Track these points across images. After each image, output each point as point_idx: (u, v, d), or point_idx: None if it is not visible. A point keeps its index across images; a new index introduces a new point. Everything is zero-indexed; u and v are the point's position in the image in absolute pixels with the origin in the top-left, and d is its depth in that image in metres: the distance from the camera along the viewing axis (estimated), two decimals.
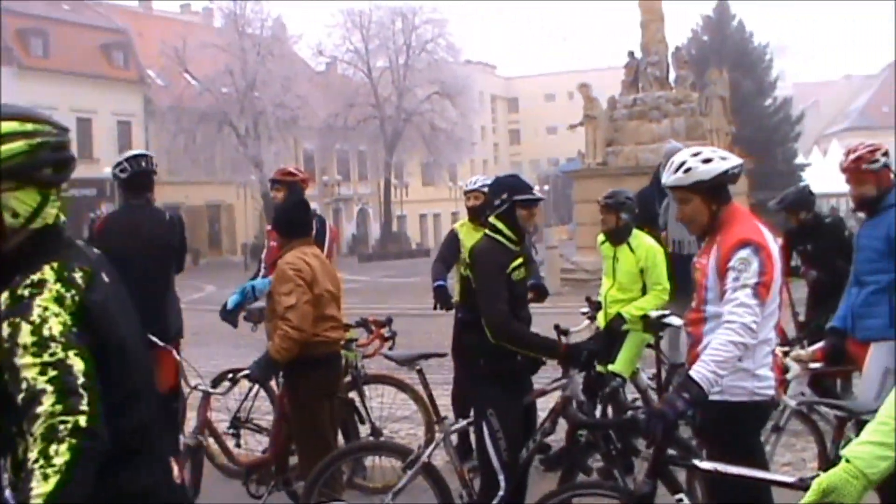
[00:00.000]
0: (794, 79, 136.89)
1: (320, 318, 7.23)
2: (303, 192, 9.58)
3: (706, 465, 5.03)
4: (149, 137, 65.55)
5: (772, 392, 5.20)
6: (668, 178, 5.28)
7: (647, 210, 10.49)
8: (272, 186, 9.78)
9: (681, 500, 5.09)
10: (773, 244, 5.12)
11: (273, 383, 8.92)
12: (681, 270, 8.35)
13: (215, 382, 7.67)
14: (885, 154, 7.17)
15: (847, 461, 3.14)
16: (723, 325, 4.87)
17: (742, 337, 4.78)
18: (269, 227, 9.75)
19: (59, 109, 54.42)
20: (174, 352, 7.83)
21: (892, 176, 7.15)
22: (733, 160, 5.20)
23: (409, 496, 6.86)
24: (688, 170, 5.17)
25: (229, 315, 8.91)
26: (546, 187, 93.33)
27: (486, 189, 8.23)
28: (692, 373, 4.72)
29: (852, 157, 7.18)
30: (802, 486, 4.63)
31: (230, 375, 7.34)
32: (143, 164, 8.45)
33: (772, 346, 5.19)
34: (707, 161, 5.15)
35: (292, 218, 7.61)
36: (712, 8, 64.48)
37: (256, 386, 8.94)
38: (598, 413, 8.06)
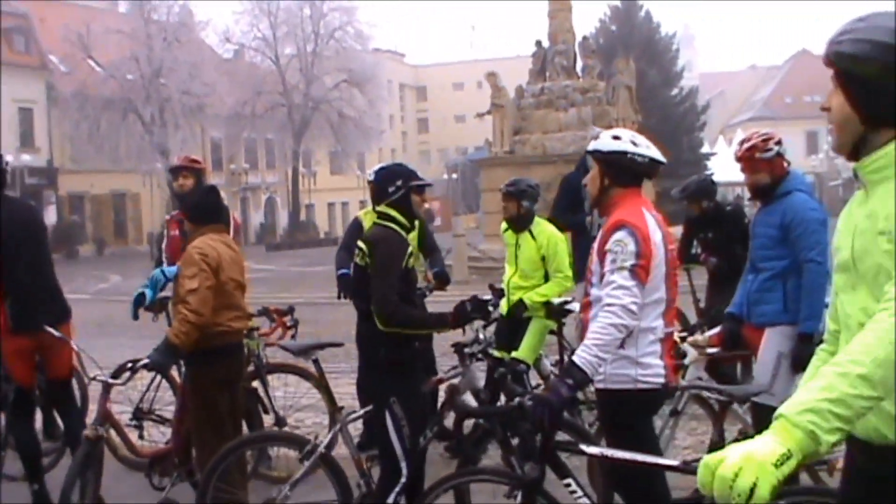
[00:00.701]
0: (700, 69, 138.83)
1: (224, 307, 7.15)
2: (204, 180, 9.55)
3: (592, 449, 5.10)
4: (51, 125, 64.55)
5: (659, 380, 5.20)
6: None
7: (572, 194, 10.60)
8: (178, 174, 9.64)
9: (569, 484, 5.13)
10: (657, 231, 5.15)
11: (175, 373, 8.86)
12: None
13: (116, 373, 7.60)
14: (779, 143, 7.31)
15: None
16: (602, 308, 4.90)
17: (621, 319, 4.80)
18: (168, 217, 9.68)
19: None
20: (70, 341, 7.74)
21: (785, 164, 7.30)
22: (644, 150, 5.22)
23: (311, 486, 6.85)
24: (596, 137, 5.35)
25: (149, 307, 8.85)
26: (454, 176, 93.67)
27: None
28: (575, 358, 4.75)
29: (746, 146, 7.33)
30: (688, 469, 4.75)
31: (130, 365, 7.24)
32: None
33: (658, 334, 5.19)
34: (615, 138, 5.26)
35: (204, 204, 7.51)
36: None
37: (159, 376, 8.86)
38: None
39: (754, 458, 2.29)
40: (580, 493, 5.15)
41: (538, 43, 34.28)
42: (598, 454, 5.03)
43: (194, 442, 7.43)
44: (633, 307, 4.86)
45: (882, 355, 2.48)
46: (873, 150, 2.92)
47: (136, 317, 8.66)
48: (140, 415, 8.75)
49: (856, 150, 2.96)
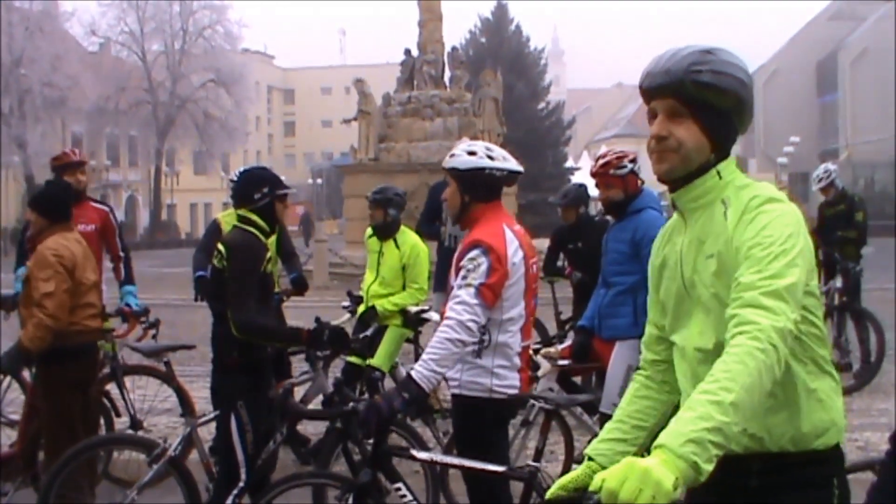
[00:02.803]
0: (568, 84, 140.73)
1: (79, 306, 7.05)
2: (76, 177, 9.30)
3: (423, 455, 5.19)
4: None
5: (512, 391, 5.29)
6: (444, 161, 5.45)
7: (438, 204, 10.69)
8: (78, 169, 9.31)
9: (399, 488, 5.20)
10: (516, 250, 5.21)
11: (26, 374, 8.66)
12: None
13: None
14: (633, 161, 7.52)
15: (590, 459, 3.27)
16: (442, 322, 4.96)
17: (458, 334, 4.85)
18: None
19: None
20: None
21: (638, 182, 7.50)
22: (500, 163, 5.27)
23: (160, 490, 6.79)
24: (452, 155, 5.36)
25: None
26: (319, 181, 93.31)
27: None
28: (412, 372, 4.79)
29: (601, 162, 7.53)
30: (514, 475, 4.90)
31: None
32: None
33: (516, 348, 5.28)
34: (471, 153, 5.29)
35: (55, 201, 7.37)
36: (491, 10, 65.48)
37: (8, 378, 8.67)
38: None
39: (652, 478, 2.32)
40: (409, 497, 5.22)
41: (407, 51, 34.37)
42: (428, 459, 5.11)
43: (44, 445, 7.28)
44: (472, 325, 4.90)
45: (748, 381, 2.54)
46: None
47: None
48: None
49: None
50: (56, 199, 7.38)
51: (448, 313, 4.94)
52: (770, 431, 2.94)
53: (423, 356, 4.84)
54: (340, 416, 5.39)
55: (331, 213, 79.09)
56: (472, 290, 4.95)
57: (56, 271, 6.82)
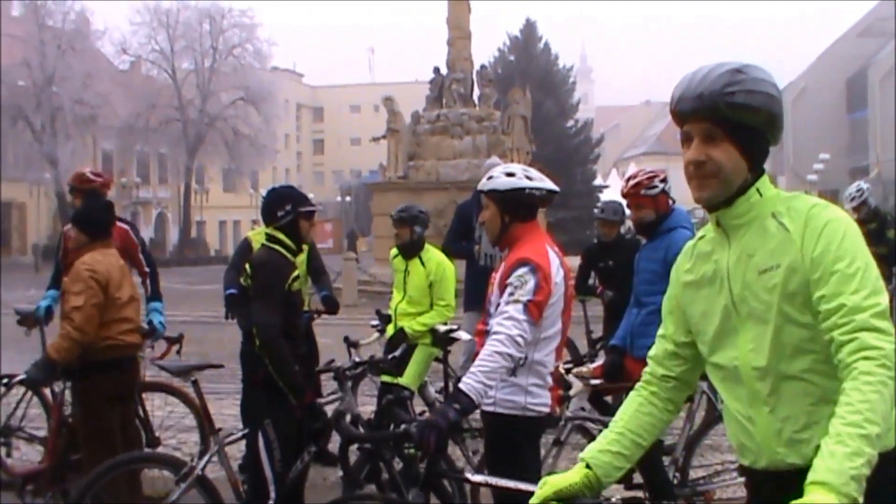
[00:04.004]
0: (596, 102, 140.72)
1: (116, 321, 7.08)
2: (103, 197, 9.34)
3: (477, 478, 5.14)
4: None
5: (545, 409, 5.32)
6: (480, 184, 5.50)
7: (465, 223, 10.67)
8: (70, 191, 9.50)
9: None
10: (558, 269, 5.26)
11: (48, 391, 8.65)
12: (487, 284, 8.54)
13: None
14: (664, 181, 7.50)
15: (588, 467, 3.26)
16: (491, 336, 4.97)
17: (507, 348, 4.86)
18: (66, 229, 9.50)
19: None
20: None
21: (669, 201, 7.48)
22: (539, 183, 5.35)
23: None
24: (490, 178, 5.41)
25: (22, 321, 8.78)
26: (347, 198, 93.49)
27: None
28: (462, 385, 4.80)
29: (632, 182, 7.51)
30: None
31: (4, 380, 7.09)
32: None
33: (549, 367, 5.31)
34: (509, 175, 5.35)
35: (94, 219, 7.44)
36: (519, 29, 65.65)
37: (30, 393, 8.67)
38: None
39: None
40: None
41: (436, 70, 34.44)
42: (483, 482, 5.07)
43: (84, 458, 7.28)
44: (521, 340, 4.93)
45: (885, 409, 2.61)
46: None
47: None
48: (8, 432, 8.57)
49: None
50: (97, 217, 7.46)
51: (496, 328, 4.97)
52: None
53: (472, 368, 4.86)
54: (394, 439, 5.35)
55: (359, 230, 79.13)
56: (520, 305, 5.00)
57: (88, 286, 6.87)
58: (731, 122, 2.96)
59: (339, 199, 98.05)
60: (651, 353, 3.44)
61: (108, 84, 65.39)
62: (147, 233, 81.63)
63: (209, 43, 72.20)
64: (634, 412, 3.38)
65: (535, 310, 5.04)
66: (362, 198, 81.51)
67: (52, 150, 60.71)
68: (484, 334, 5.29)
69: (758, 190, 3.03)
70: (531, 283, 5.05)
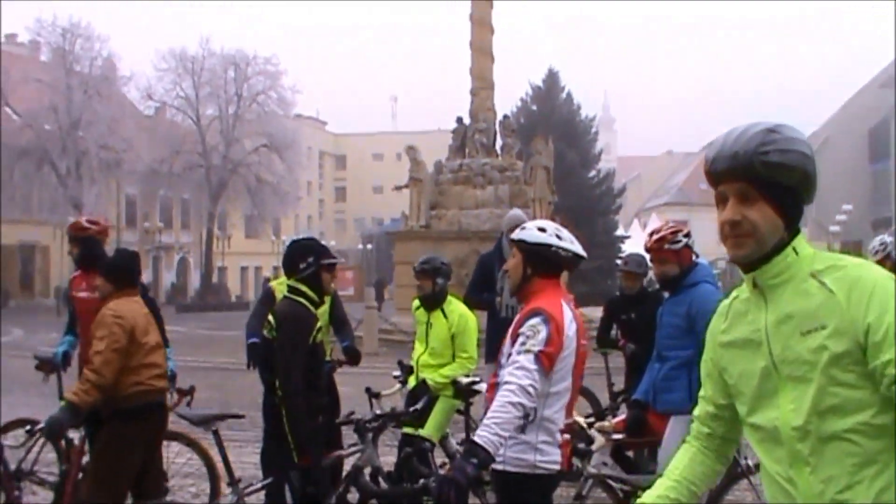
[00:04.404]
0: (618, 152, 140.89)
1: (143, 366, 7.13)
2: (101, 244, 9.42)
3: None
4: None
5: (555, 467, 5.27)
6: (513, 233, 5.55)
7: (487, 274, 10.67)
8: (69, 240, 9.57)
9: None
10: (571, 322, 5.25)
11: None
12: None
13: (4, 430, 7.39)
14: (687, 235, 7.52)
15: None
16: (502, 387, 4.95)
17: (519, 398, 4.84)
18: (75, 274, 9.54)
19: None
20: None
21: (693, 256, 7.49)
22: (567, 244, 5.35)
23: None
24: (523, 228, 5.44)
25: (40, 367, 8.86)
26: (369, 246, 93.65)
27: None
28: (476, 437, 4.78)
29: (655, 237, 7.54)
30: None
31: (28, 427, 7.10)
32: None
33: (559, 424, 5.26)
34: (541, 229, 5.38)
35: (120, 268, 7.53)
36: (542, 79, 65.86)
37: (43, 438, 8.69)
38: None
39: None
40: None
41: (459, 119, 34.59)
42: None
43: (87, 498, 7.27)
44: (532, 390, 4.90)
45: None
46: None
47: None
48: (20, 476, 8.59)
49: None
50: (123, 266, 7.53)
51: (507, 378, 4.95)
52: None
53: (485, 420, 4.83)
54: (412, 494, 5.34)
55: (374, 279, 79.26)
56: (531, 355, 4.97)
57: (111, 331, 6.93)
58: (766, 182, 2.96)
59: (360, 246, 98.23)
60: (695, 412, 3.44)
61: (132, 129, 65.91)
62: (169, 277, 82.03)
63: (234, 90, 72.62)
64: (690, 462, 3.40)
65: (546, 360, 5.01)
66: (384, 246, 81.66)
67: (77, 193, 61.23)
68: (495, 387, 5.29)
69: (794, 249, 3.02)
70: (543, 334, 5.03)
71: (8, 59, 63.07)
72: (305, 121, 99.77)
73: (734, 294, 3.25)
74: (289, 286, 6.52)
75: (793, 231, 3.04)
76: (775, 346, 3.00)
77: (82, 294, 9.32)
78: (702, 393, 3.40)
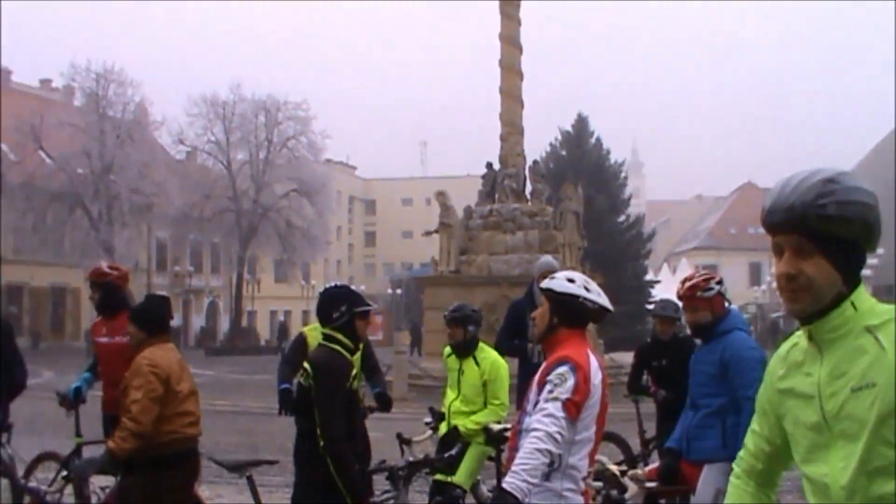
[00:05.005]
0: (647, 196, 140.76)
1: (177, 415, 7.18)
2: (121, 290, 9.53)
3: None
4: None
5: None
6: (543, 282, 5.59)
7: (518, 320, 10.67)
8: (90, 286, 9.71)
9: None
10: (596, 371, 5.24)
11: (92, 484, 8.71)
12: None
13: (31, 466, 7.44)
14: (720, 282, 7.52)
15: None
16: (530, 434, 4.97)
17: (546, 444, 4.87)
18: (97, 320, 9.65)
19: None
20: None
21: (725, 303, 7.47)
22: (594, 297, 5.38)
23: None
24: (552, 277, 5.48)
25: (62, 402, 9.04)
26: (398, 291, 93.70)
27: None
28: (505, 484, 4.80)
29: (688, 284, 7.53)
30: None
31: (64, 474, 7.15)
32: None
33: (583, 472, 5.25)
34: (570, 280, 5.41)
35: (153, 314, 7.58)
36: (571, 123, 65.99)
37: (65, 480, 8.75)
38: None
39: None
40: None
41: (489, 165, 34.64)
42: None
43: None
44: (559, 437, 4.93)
45: None
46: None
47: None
48: None
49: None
50: (155, 313, 7.58)
51: (535, 425, 4.98)
52: None
53: (514, 467, 4.86)
54: None
55: (409, 323, 79.27)
56: (558, 403, 5.00)
57: (147, 380, 6.99)
58: (823, 236, 2.88)
59: (389, 291, 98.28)
60: (747, 445, 3.40)
61: (164, 173, 66.35)
62: (198, 321, 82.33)
63: (264, 135, 72.99)
64: (742, 494, 3.38)
65: (573, 408, 5.03)
66: (413, 291, 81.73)
67: (109, 237, 61.63)
68: (517, 434, 5.30)
69: (852, 303, 2.94)
70: (570, 382, 5.05)
71: (43, 105, 63.96)
72: (335, 166, 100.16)
73: (794, 340, 3.19)
74: (324, 334, 6.55)
75: (853, 283, 2.96)
76: (827, 402, 2.93)
77: (103, 339, 9.43)
78: (753, 426, 3.35)
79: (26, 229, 61.46)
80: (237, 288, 75.60)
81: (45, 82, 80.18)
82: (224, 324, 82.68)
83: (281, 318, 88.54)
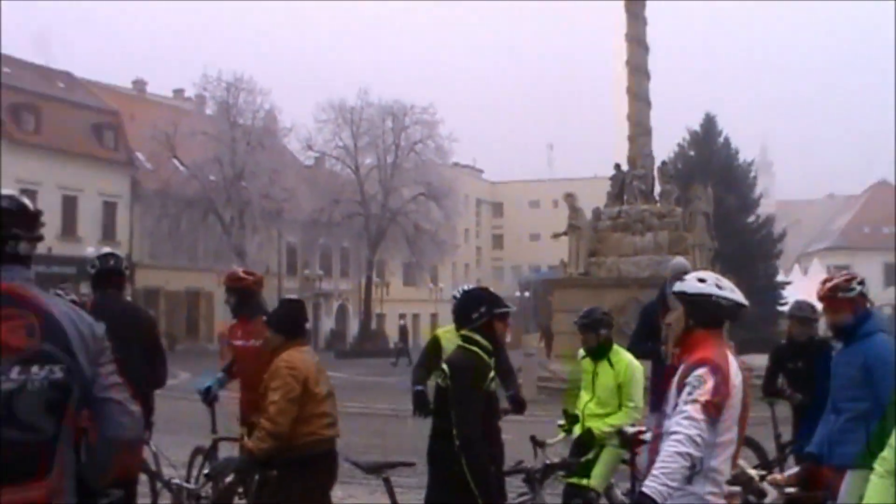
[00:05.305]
0: (777, 196, 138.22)
1: (315, 416, 7.29)
2: (256, 294, 9.69)
3: None
4: (133, 220, 65.95)
5: None
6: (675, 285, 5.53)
7: (650, 323, 10.60)
8: (225, 290, 9.91)
9: None
10: (737, 372, 5.16)
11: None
12: None
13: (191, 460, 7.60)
14: (862, 283, 7.32)
15: None
16: (669, 437, 4.92)
17: (687, 448, 4.81)
18: (232, 323, 9.83)
19: (44, 185, 54.86)
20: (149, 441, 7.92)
21: (867, 304, 7.28)
22: (727, 293, 5.30)
23: None
24: (683, 280, 5.42)
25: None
26: (527, 293, 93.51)
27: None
28: (644, 488, 4.77)
29: (828, 285, 7.34)
30: None
31: (206, 472, 7.30)
32: (111, 262, 8.56)
33: (725, 475, 5.18)
34: (700, 280, 5.35)
35: (288, 320, 7.70)
36: (699, 123, 65.23)
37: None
38: None
39: None
40: None
41: (617, 166, 34.48)
42: None
43: None
44: (699, 440, 4.87)
45: None
46: None
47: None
48: None
49: None
50: (291, 317, 7.69)
51: (675, 428, 4.93)
52: None
53: (654, 471, 4.82)
54: None
55: (538, 326, 79.05)
56: (698, 405, 4.93)
57: (285, 382, 7.10)
58: None
59: (517, 294, 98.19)
60: (890, 442, 3.34)
61: (293, 179, 67.47)
62: (328, 324, 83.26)
63: (391, 139, 73.49)
64: (884, 493, 3.33)
65: (713, 410, 4.96)
66: (541, 293, 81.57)
67: (241, 242, 62.93)
68: (658, 438, 5.24)
69: None
70: (710, 384, 4.98)
71: (176, 114, 65.54)
72: (462, 169, 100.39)
73: None
74: (462, 335, 6.58)
75: None
76: None
77: (238, 342, 9.61)
78: None
79: (161, 235, 63.24)
80: (366, 291, 76.25)
81: (178, 92, 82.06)
82: (353, 327, 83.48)
83: (402, 322, 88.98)
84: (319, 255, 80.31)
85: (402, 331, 65.65)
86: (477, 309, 6.49)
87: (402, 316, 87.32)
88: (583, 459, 8.04)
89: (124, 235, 65.10)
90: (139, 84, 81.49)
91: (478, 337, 6.43)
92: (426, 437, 7.11)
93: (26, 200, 3.79)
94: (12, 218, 3.71)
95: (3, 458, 3.48)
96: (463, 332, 6.58)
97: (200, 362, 44.02)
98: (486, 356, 6.41)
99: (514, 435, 10.03)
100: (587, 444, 8.86)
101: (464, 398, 6.15)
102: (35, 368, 3.53)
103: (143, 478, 8.93)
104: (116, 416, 3.76)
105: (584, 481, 8.76)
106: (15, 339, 3.52)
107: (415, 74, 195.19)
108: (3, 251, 3.68)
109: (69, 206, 61.10)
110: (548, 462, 7.18)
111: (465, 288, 7.46)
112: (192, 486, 8.19)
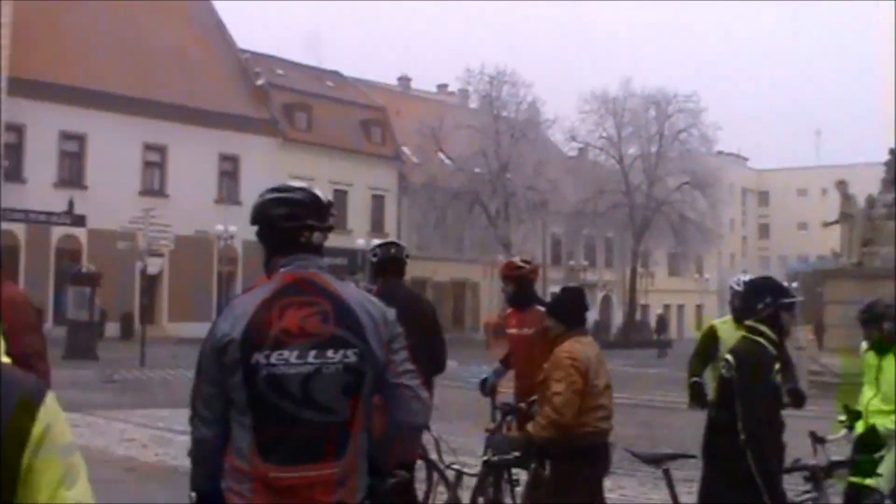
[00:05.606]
0: None
1: (592, 408, 7.32)
2: (533, 283, 9.80)
3: None
4: (401, 213, 67.68)
5: None
6: None
7: None
8: (502, 279, 10.04)
9: None
10: None
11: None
12: None
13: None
14: None
15: None
16: None
17: None
18: (508, 311, 9.96)
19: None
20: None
21: None
22: None
23: None
24: None
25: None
26: (794, 284, 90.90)
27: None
28: None
29: None
30: None
31: (484, 458, 7.48)
32: (393, 251, 8.83)
33: None
34: None
35: (573, 307, 7.76)
36: None
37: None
38: None
39: None
40: None
41: (892, 151, 33.07)
42: None
43: None
44: None
45: None
46: None
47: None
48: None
49: None
50: (573, 305, 7.76)
51: None
52: None
53: None
54: None
55: (806, 318, 76.82)
56: None
57: (568, 373, 7.16)
58: None
59: (785, 284, 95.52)
60: None
61: (557, 171, 67.69)
62: (592, 314, 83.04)
63: (655, 129, 72.98)
64: None
65: None
66: (809, 284, 79.14)
67: (506, 233, 63.61)
68: None
69: None
70: None
71: (441, 109, 66.86)
72: (727, 157, 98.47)
73: None
74: (748, 325, 6.51)
75: None
76: None
77: (513, 331, 9.73)
78: None
79: (428, 227, 64.61)
80: (631, 281, 75.92)
81: (442, 87, 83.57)
82: (617, 317, 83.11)
83: (660, 312, 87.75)
84: (584, 246, 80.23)
85: (660, 321, 65.00)
86: (762, 299, 6.40)
87: (666, 307, 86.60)
88: (876, 457, 7.81)
89: (392, 227, 66.73)
90: (404, 81, 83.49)
91: (763, 328, 6.34)
92: (696, 429, 7.07)
93: (319, 192, 4.02)
94: (307, 209, 3.94)
95: (301, 437, 3.70)
96: (748, 322, 6.50)
97: (466, 351, 44.80)
98: (772, 347, 6.33)
99: (791, 430, 9.86)
100: (871, 441, 8.61)
101: (751, 390, 6.09)
102: (330, 352, 3.73)
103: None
104: (407, 402, 3.93)
105: (869, 481, 8.51)
106: (310, 325, 3.74)
107: (677, 64, 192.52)
108: (297, 241, 3.92)
109: (339, 199, 63.01)
110: (833, 459, 7.02)
111: (747, 278, 7.35)
112: (471, 472, 8.37)
